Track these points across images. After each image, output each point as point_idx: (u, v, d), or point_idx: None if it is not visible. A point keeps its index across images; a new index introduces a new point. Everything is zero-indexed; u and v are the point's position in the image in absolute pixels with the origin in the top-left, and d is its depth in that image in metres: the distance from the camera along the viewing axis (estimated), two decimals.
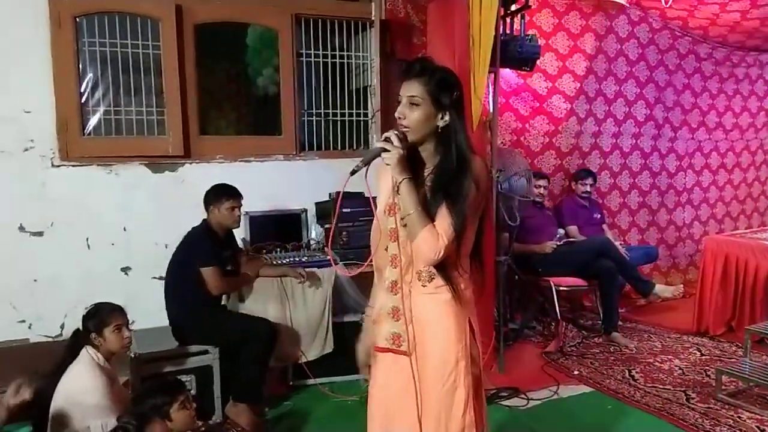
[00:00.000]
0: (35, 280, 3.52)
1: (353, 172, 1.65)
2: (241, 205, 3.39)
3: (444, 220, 1.68)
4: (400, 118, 1.70)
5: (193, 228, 3.37)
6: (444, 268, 1.75)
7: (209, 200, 3.35)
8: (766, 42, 6.01)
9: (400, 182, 1.67)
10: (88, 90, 3.64)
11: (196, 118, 3.91)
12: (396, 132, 1.67)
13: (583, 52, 5.23)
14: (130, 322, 2.71)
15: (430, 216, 1.67)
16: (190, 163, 3.86)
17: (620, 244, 4.93)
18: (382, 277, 1.84)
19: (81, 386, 2.46)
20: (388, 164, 1.66)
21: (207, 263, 3.21)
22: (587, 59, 5.26)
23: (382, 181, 1.80)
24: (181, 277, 3.28)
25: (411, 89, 1.69)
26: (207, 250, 3.26)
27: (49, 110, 3.51)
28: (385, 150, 1.65)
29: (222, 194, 3.34)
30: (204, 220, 3.37)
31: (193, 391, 3.11)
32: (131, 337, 2.69)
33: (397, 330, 1.79)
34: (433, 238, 1.66)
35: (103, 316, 2.59)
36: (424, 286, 1.77)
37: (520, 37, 3.92)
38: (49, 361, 2.68)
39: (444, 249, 1.66)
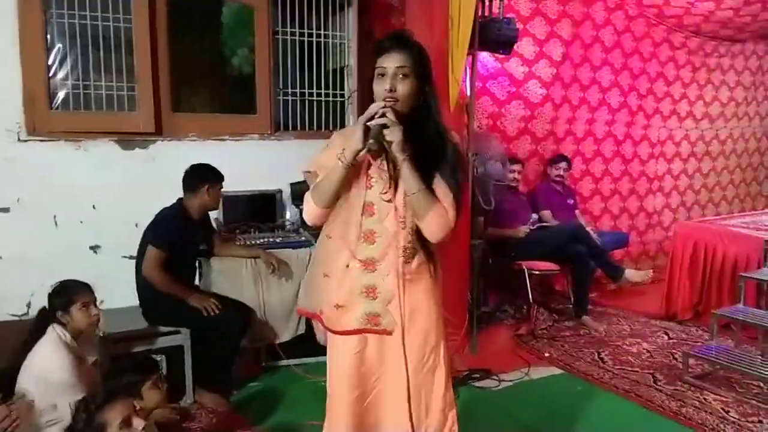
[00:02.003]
0: (0, 258, 3.43)
1: (370, 151, 1.63)
2: (222, 187, 3.36)
3: (446, 195, 1.69)
4: (392, 90, 1.64)
5: (164, 207, 3.30)
6: (427, 244, 1.75)
7: (192, 181, 3.27)
8: (739, 32, 6.11)
9: (403, 160, 1.63)
10: (57, 63, 3.52)
11: (169, 94, 3.82)
12: (387, 107, 1.61)
13: (560, 37, 5.24)
14: (99, 301, 2.65)
15: None
16: (162, 141, 3.78)
17: (592, 230, 4.99)
18: (342, 254, 1.77)
19: (47, 364, 2.41)
20: (391, 141, 1.61)
21: (155, 245, 3.11)
22: (564, 45, 5.28)
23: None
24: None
25: (398, 60, 1.65)
26: (162, 231, 3.17)
27: (16, 83, 3.39)
28: (385, 126, 1.60)
29: (207, 176, 3.28)
30: (179, 200, 3.31)
31: (164, 371, 3.08)
32: (99, 315, 2.63)
33: (375, 309, 1.76)
34: (444, 214, 1.68)
35: (69, 294, 2.53)
36: (407, 262, 1.75)
37: (499, 19, 3.90)
38: (15, 339, 2.61)
39: (453, 224, 1.69)
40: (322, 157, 1.79)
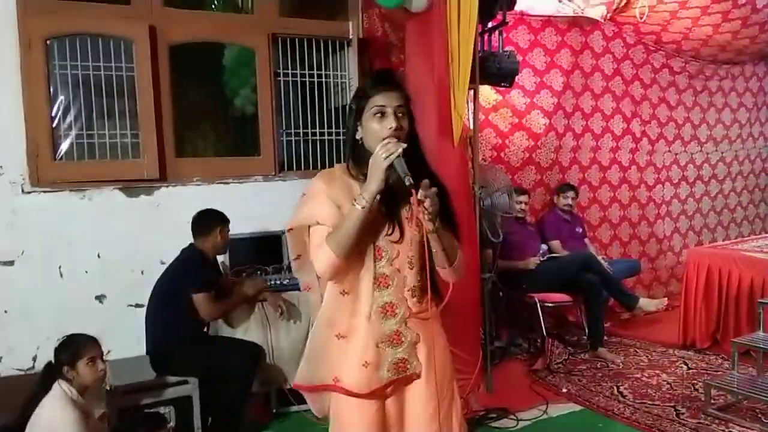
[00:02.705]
0: (5, 311, 3.38)
1: (413, 186, 1.53)
2: (229, 229, 3.38)
3: (453, 235, 1.71)
4: (397, 129, 1.60)
5: (183, 253, 3.31)
6: (437, 282, 1.72)
7: (202, 226, 3.31)
8: (738, 55, 6.13)
9: (436, 228, 1.61)
10: (60, 113, 3.54)
11: (172, 139, 3.82)
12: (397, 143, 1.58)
13: (560, 67, 5.26)
14: (105, 352, 2.61)
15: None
16: (167, 186, 3.77)
17: (603, 258, 4.92)
18: (362, 307, 1.68)
19: (53, 422, 2.35)
20: (430, 210, 1.55)
21: (200, 290, 3.16)
22: (564, 75, 5.29)
23: (339, 192, 1.67)
24: (168, 303, 3.20)
25: (397, 98, 1.63)
26: (201, 276, 3.22)
27: (20, 135, 3.40)
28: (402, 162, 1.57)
29: (215, 219, 3.32)
30: (192, 245, 3.31)
31: (172, 423, 3.01)
32: (106, 370, 2.58)
33: (402, 354, 1.70)
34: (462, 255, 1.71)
35: (76, 348, 2.48)
36: (420, 302, 1.71)
37: (499, 53, 3.91)
38: (20, 395, 2.56)
39: None
40: (312, 208, 1.66)
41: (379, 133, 1.61)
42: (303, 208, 1.69)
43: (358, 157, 1.69)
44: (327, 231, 1.61)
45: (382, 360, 1.69)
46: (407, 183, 1.52)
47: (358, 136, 1.67)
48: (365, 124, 1.64)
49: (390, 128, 1.60)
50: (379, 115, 1.62)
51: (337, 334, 1.70)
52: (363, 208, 1.55)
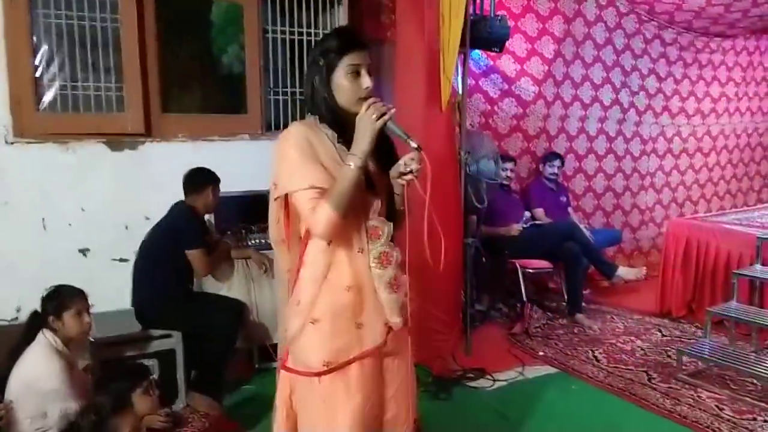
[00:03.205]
0: None
1: (419, 148, 1.57)
2: (219, 189, 3.41)
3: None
4: (369, 88, 1.62)
5: (175, 210, 3.31)
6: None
7: (194, 184, 3.32)
8: (730, 28, 6.12)
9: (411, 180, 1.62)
10: (43, 64, 3.47)
11: (158, 95, 3.77)
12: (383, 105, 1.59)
13: (551, 35, 5.23)
14: (90, 305, 2.63)
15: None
16: (152, 142, 3.74)
17: (585, 227, 4.98)
18: (358, 260, 1.69)
19: (37, 372, 2.38)
20: (413, 169, 1.60)
21: (196, 246, 3.20)
22: (555, 42, 5.27)
23: (320, 148, 1.65)
24: (160, 258, 3.22)
25: (367, 58, 1.64)
26: (196, 233, 3.26)
27: (2, 85, 3.34)
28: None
29: (207, 178, 3.34)
30: (183, 202, 3.31)
31: (155, 376, 3.05)
32: (91, 323, 2.60)
33: (399, 302, 1.73)
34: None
35: (63, 300, 2.50)
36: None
37: (490, 17, 3.88)
38: (4, 344, 2.58)
39: None
40: (307, 172, 1.60)
41: (353, 92, 1.62)
42: (295, 171, 1.61)
43: (331, 115, 1.66)
44: (314, 193, 1.58)
45: (377, 320, 1.71)
46: (414, 145, 1.56)
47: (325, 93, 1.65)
48: (336, 82, 1.63)
49: (367, 87, 1.62)
50: (353, 73, 1.62)
51: (348, 286, 1.67)
52: (358, 167, 1.56)
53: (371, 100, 1.58)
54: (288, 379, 1.76)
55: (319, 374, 1.64)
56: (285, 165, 1.63)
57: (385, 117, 1.55)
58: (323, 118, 1.68)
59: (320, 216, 1.57)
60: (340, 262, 1.67)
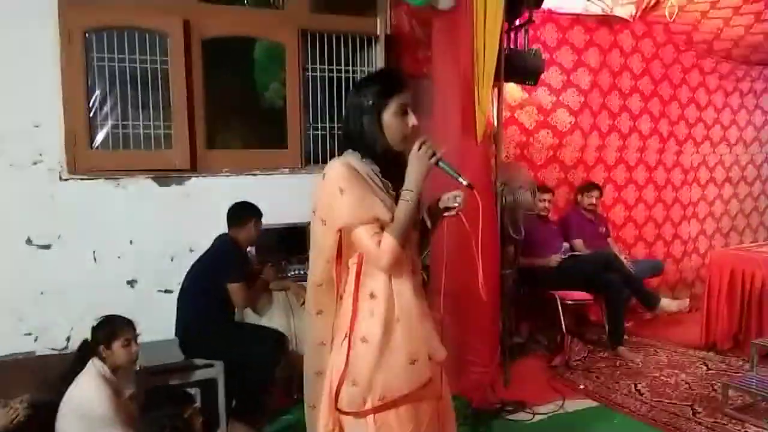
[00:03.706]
0: (42, 293, 3.54)
1: (470, 186, 1.67)
2: (262, 223, 3.51)
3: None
4: (415, 125, 1.73)
5: (219, 243, 3.42)
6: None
7: (238, 217, 3.43)
8: None
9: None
10: (97, 104, 3.68)
11: (203, 131, 3.94)
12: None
13: (587, 66, 5.25)
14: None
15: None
16: (197, 177, 3.89)
17: (626, 258, 4.92)
18: (416, 300, 1.74)
19: (87, 397, 2.47)
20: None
21: (236, 279, 3.28)
22: (591, 73, 5.28)
23: (370, 185, 1.71)
24: (203, 290, 3.31)
25: (410, 99, 1.74)
26: (238, 266, 3.34)
27: (58, 124, 3.55)
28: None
29: (250, 212, 3.45)
30: (226, 235, 3.42)
31: (197, 404, 3.12)
32: (138, 352, 2.70)
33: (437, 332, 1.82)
34: None
35: (113, 329, 2.60)
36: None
37: (524, 51, 3.94)
38: (55, 373, 2.69)
39: None
40: (370, 205, 1.66)
41: (400, 130, 1.72)
42: (355, 205, 1.64)
43: (380, 151, 1.73)
44: (377, 227, 1.64)
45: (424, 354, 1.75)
46: (465, 183, 1.66)
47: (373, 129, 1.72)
48: (386, 121, 1.71)
49: (413, 125, 1.72)
50: (403, 113, 1.72)
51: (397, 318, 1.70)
52: (411, 202, 1.65)
53: (424, 137, 1.68)
54: (331, 416, 1.74)
55: (375, 411, 1.68)
56: (341, 200, 1.65)
57: (438, 155, 1.65)
58: (368, 154, 1.73)
59: (386, 247, 1.62)
60: (397, 294, 1.71)
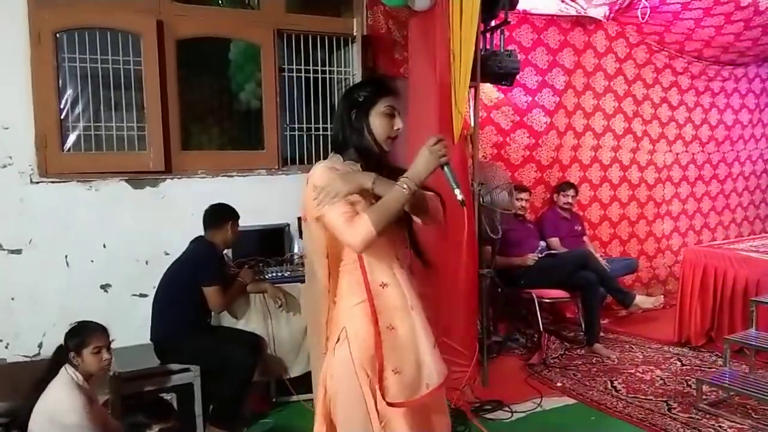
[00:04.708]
0: (12, 299, 3.47)
1: (464, 204, 1.66)
2: (239, 225, 3.47)
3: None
4: (399, 129, 1.78)
5: (195, 245, 3.38)
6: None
7: (215, 219, 3.39)
8: (741, 57, 6.15)
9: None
10: (68, 106, 3.61)
11: (178, 132, 3.89)
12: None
13: (562, 66, 5.30)
14: (111, 340, 2.68)
15: None
16: (172, 179, 3.84)
17: (601, 256, 4.98)
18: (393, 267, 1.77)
19: (60, 406, 2.42)
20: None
21: (212, 282, 3.24)
22: (566, 74, 5.33)
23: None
24: (179, 293, 3.27)
25: (399, 104, 1.79)
26: (214, 269, 3.30)
27: (29, 126, 3.48)
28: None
29: (231, 213, 3.41)
30: (202, 237, 3.38)
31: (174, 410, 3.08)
32: (110, 360, 2.64)
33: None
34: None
35: (84, 336, 2.54)
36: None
37: (500, 52, 3.96)
38: (27, 380, 2.63)
39: None
40: (341, 185, 1.65)
41: (387, 131, 1.76)
42: (330, 189, 1.65)
43: (360, 145, 1.77)
44: (345, 207, 1.63)
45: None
46: (460, 198, 1.65)
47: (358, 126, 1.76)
48: (372, 120, 1.76)
49: (398, 129, 1.76)
50: (389, 115, 1.76)
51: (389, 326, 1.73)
52: (411, 191, 1.63)
53: (440, 136, 1.69)
54: (325, 421, 1.85)
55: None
56: (321, 191, 1.65)
57: (448, 158, 1.66)
58: (348, 155, 1.78)
59: (360, 226, 1.61)
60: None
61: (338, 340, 1.73)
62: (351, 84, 4.41)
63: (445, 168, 1.66)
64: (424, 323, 1.78)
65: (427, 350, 1.77)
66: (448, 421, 1.91)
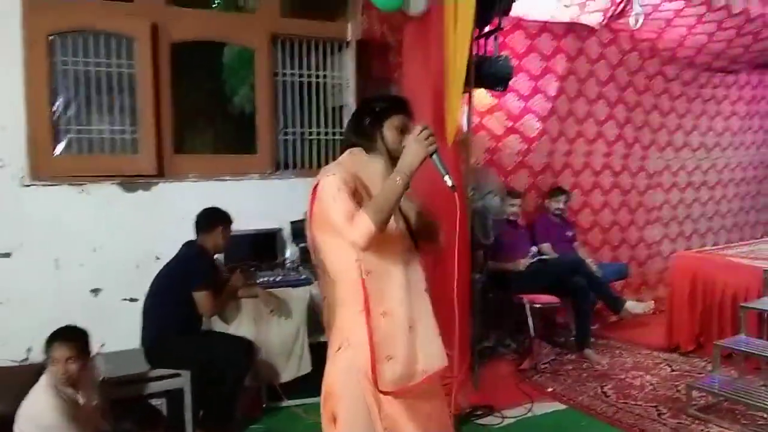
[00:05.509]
0: (1, 303, 3.44)
1: (455, 189, 1.71)
2: (231, 229, 3.46)
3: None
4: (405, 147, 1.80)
5: (186, 249, 3.37)
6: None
7: (206, 223, 3.38)
8: (732, 63, 6.19)
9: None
10: (61, 109, 3.60)
11: (171, 136, 3.88)
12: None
13: (554, 72, 5.32)
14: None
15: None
16: (164, 182, 3.83)
17: (592, 262, 5.00)
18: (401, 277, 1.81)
19: (37, 408, 2.43)
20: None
21: (202, 287, 3.23)
22: (559, 80, 5.35)
23: (368, 170, 1.83)
24: (169, 298, 3.26)
25: (411, 125, 1.84)
26: (205, 273, 3.29)
27: (21, 129, 3.46)
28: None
29: (222, 218, 3.40)
30: (194, 241, 3.37)
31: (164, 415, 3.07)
32: (74, 372, 2.50)
33: None
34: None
35: (51, 345, 2.49)
36: None
37: (493, 57, 3.98)
38: (14, 385, 2.62)
39: None
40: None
41: (395, 145, 1.81)
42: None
43: (375, 149, 1.84)
44: (348, 203, 1.68)
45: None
46: (450, 183, 1.70)
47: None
48: (385, 129, 1.83)
49: (404, 146, 1.77)
50: (400, 130, 1.82)
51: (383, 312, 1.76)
52: (405, 183, 1.67)
53: (425, 125, 1.73)
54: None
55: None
56: (335, 207, 1.71)
57: (436, 146, 1.71)
58: (370, 150, 1.85)
59: (361, 223, 1.64)
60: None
61: (339, 348, 1.78)
62: (345, 87, 4.44)
63: (434, 156, 1.71)
64: (429, 309, 1.84)
65: (428, 337, 1.83)
66: (447, 408, 1.97)
